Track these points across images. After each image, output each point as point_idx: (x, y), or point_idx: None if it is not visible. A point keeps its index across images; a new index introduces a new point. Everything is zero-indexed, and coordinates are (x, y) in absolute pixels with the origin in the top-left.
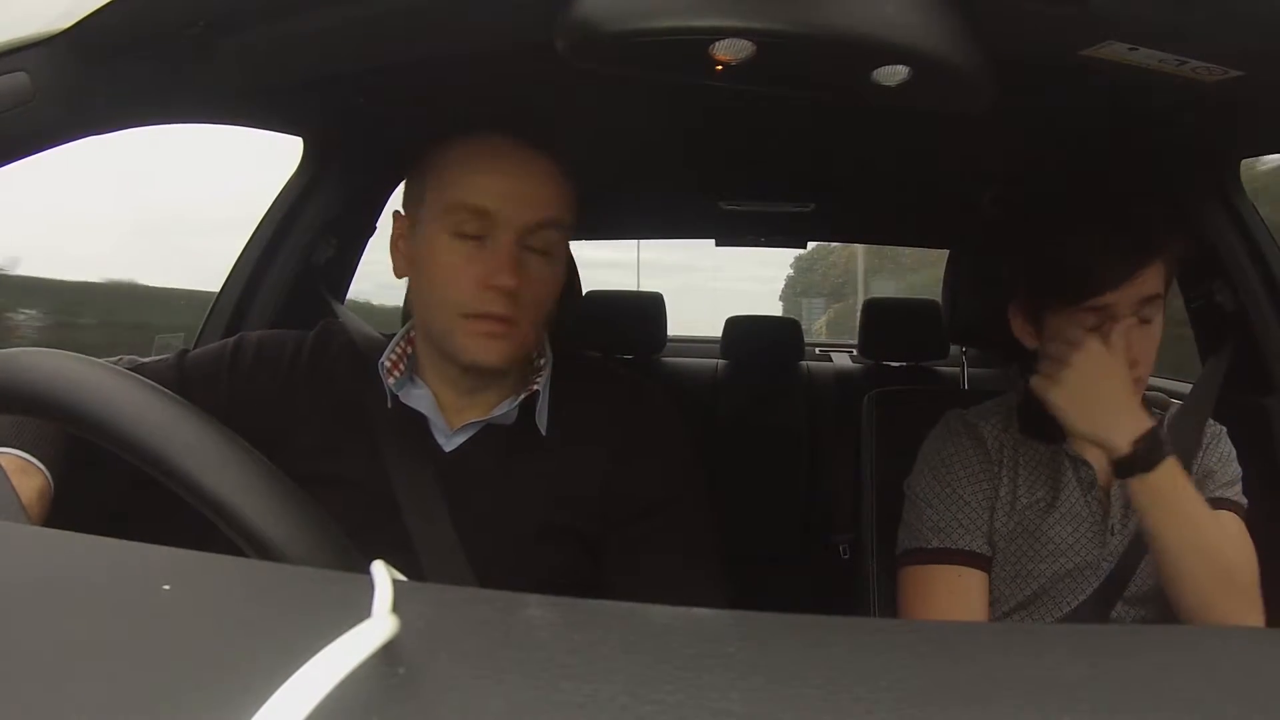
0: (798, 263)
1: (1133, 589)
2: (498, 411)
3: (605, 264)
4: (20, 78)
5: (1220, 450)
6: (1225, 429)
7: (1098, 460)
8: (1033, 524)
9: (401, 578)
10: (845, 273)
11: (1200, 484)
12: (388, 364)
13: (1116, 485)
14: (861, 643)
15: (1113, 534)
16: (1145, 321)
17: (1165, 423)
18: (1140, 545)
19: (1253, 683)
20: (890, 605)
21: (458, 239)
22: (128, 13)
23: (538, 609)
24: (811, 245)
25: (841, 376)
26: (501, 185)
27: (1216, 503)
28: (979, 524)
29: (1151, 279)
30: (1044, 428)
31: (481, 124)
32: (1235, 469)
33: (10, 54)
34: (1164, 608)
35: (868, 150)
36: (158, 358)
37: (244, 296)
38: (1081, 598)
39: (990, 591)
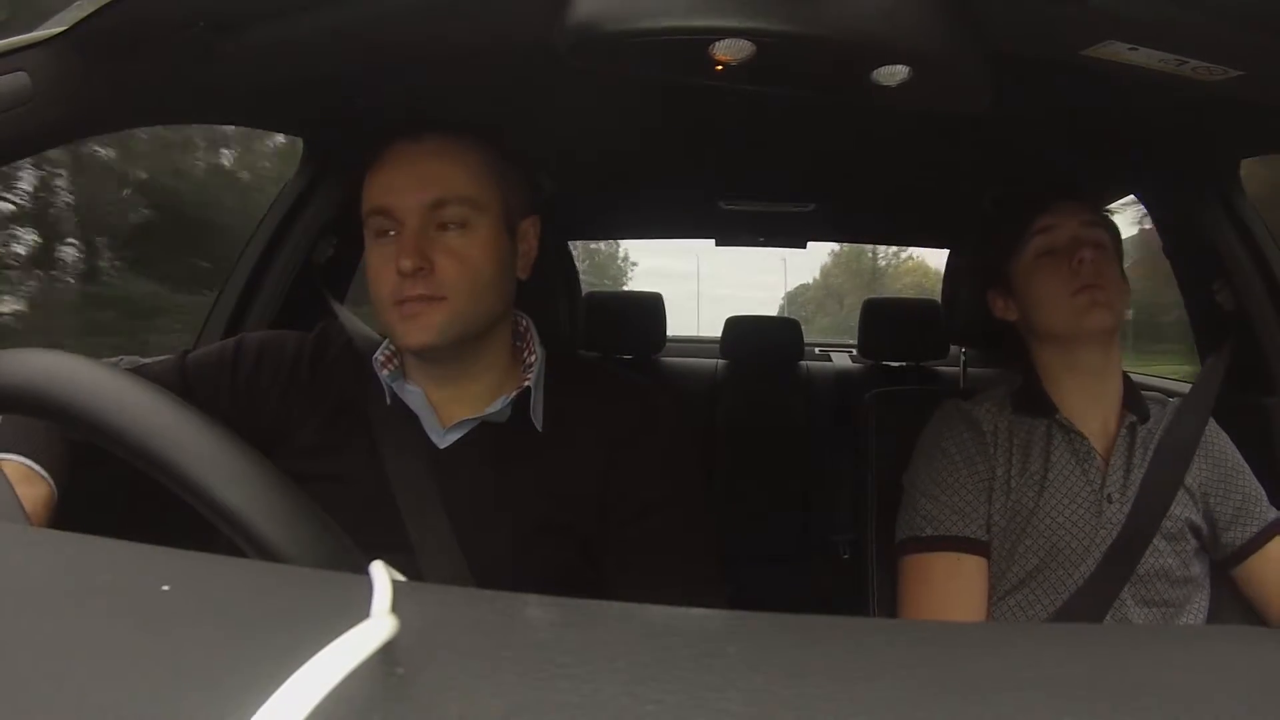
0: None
1: (1141, 567)
2: (490, 409)
3: (679, 276)
4: (20, 78)
5: (1236, 461)
6: (1221, 430)
7: (1091, 430)
8: (1027, 500)
9: (401, 578)
10: (802, 305)
11: (1241, 511)
12: (380, 359)
13: (1117, 454)
14: (861, 643)
15: (1110, 502)
16: (1100, 247)
17: (1165, 422)
18: (1142, 518)
19: (1253, 683)
20: (890, 605)
21: (378, 240)
22: (128, 13)
23: (537, 609)
24: (795, 284)
25: (841, 377)
26: (394, 179)
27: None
28: (977, 510)
29: (1085, 210)
30: (1036, 403)
31: (466, 121)
32: (1252, 478)
33: (10, 54)
34: (1173, 586)
35: (868, 150)
36: (159, 358)
37: (244, 296)
38: (1084, 573)
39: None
